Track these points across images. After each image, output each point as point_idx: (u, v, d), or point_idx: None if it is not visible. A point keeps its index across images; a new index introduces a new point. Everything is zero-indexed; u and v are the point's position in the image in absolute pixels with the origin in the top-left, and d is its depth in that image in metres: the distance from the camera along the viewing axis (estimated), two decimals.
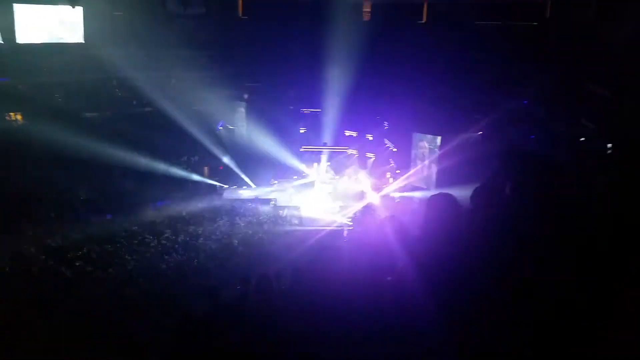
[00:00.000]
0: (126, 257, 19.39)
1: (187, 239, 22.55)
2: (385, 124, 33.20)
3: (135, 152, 35.11)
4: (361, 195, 30.52)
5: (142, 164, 30.52)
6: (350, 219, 26.04)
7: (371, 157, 32.27)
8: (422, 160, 26.48)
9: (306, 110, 36.77)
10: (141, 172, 28.70)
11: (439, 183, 24.47)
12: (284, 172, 37.36)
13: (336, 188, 33.68)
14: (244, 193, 33.64)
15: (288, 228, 25.04)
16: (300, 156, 36.67)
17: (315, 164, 35.50)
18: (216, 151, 36.61)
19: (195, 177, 34.16)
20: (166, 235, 23.53)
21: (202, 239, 22.47)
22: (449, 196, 4.91)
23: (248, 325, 5.81)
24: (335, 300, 5.30)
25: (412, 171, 27.29)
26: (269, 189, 35.22)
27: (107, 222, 21.57)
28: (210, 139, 35.24)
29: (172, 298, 16.28)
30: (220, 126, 37.43)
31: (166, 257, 20.32)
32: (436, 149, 26.36)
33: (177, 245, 21.85)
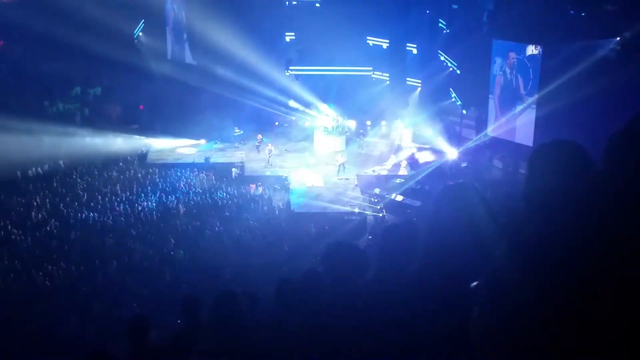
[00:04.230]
0: None
1: (84, 234, 22.76)
2: (443, 24, 32.70)
3: None
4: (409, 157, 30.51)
5: None
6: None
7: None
8: (509, 80, 26.14)
9: (295, 1, 36.38)
10: None
11: (542, 127, 24.36)
12: (255, 113, 37.45)
13: (359, 142, 33.56)
14: (185, 151, 33.70)
15: (266, 214, 25.43)
16: (285, 84, 36.50)
17: (314, 100, 35.40)
18: (132, 78, 36.24)
19: (96, 123, 34.07)
20: (47, 229, 23.24)
21: (111, 235, 22.75)
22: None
23: None
24: (351, 335, 5.29)
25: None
26: (227, 144, 35.36)
27: None
28: (121, 56, 35.04)
29: (51, 340, 17.05)
30: (140, 32, 37.05)
31: (49, 267, 20.24)
32: (526, 61, 26.33)
33: (67, 247, 22.03)
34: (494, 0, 28.03)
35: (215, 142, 33.74)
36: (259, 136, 32.62)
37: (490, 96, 27.15)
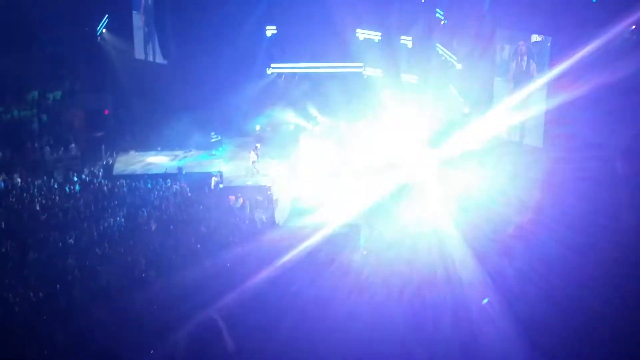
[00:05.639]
0: None
1: (44, 256, 22.38)
2: (440, 14, 32.61)
3: None
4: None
5: None
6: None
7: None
8: (519, 65, 26.32)
9: None
10: None
11: (553, 127, 24.58)
12: (234, 117, 36.39)
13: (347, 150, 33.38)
14: (156, 160, 33.38)
15: (248, 229, 25.21)
16: (267, 83, 36.43)
17: (299, 100, 35.25)
18: (96, 80, 35.88)
19: (56, 131, 33.77)
20: (1, 251, 22.51)
21: (74, 257, 22.28)
22: None
23: None
24: None
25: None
26: (202, 152, 34.74)
27: None
28: (83, 55, 34.51)
29: None
30: (104, 29, 36.85)
31: (4, 293, 19.84)
32: (531, 46, 25.86)
33: (25, 270, 21.49)
34: None
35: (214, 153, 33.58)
36: (257, 145, 32.36)
37: (497, 79, 27.36)
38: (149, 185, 28.73)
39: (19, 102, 36.03)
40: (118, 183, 28.94)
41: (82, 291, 20.28)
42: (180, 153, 33.55)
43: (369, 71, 34.49)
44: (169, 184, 28.84)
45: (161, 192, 27.95)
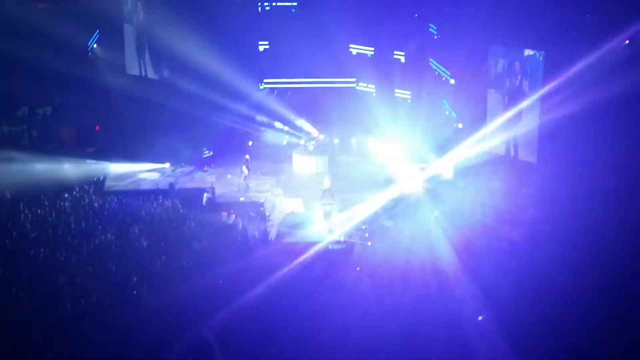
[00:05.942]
0: None
1: (33, 274, 22.35)
2: (433, 29, 32.83)
3: None
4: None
5: None
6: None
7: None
8: (512, 82, 26.53)
9: (268, 6, 36.22)
10: None
11: (547, 142, 24.91)
12: (226, 132, 35.92)
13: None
14: (147, 177, 33.30)
15: (240, 245, 25.20)
16: (259, 98, 36.28)
17: (291, 116, 35.32)
18: (87, 96, 35.97)
19: (47, 147, 33.73)
20: None
21: (64, 273, 21.77)
22: None
23: None
24: None
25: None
26: (193, 168, 34.50)
27: None
28: (74, 71, 34.45)
29: None
30: (95, 44, 36.96)
31: None
32: (525, 61, 26.21)
33: (14, 288, 21.08)
34: (489, 2, 28.27)
35: (205, 170, 33.69)
36: (247, 157, 32.46)
37: (491, 91, 27.52)
38: (140, 202, 28.74)
39: (9, 117, 36.10)
40: (109, 199, 28.90)
41: (72, 309, 20.19)
42: (169, 170, 33.71)
43: (362, 86, 34.67)
44: (161, 200, 28.87)
45: (152, 209, 27.93)
